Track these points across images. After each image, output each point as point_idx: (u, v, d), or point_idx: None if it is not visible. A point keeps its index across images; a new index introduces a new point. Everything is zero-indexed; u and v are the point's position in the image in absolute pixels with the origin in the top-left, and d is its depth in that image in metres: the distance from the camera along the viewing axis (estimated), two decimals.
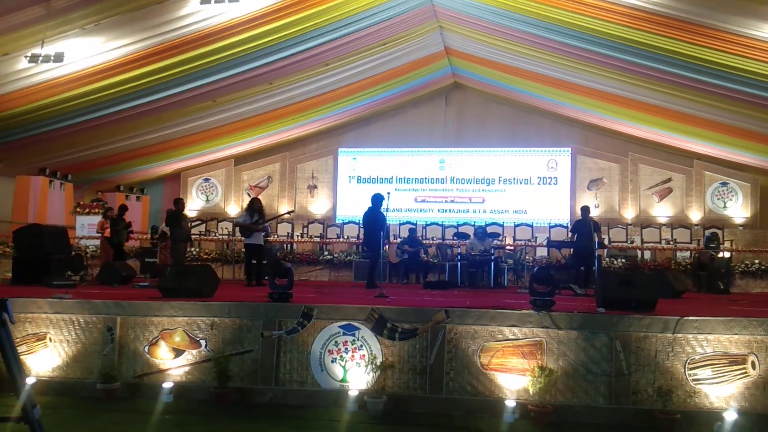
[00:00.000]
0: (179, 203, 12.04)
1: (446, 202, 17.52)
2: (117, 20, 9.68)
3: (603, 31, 10.62)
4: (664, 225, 15.98)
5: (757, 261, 13.17)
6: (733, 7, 8.82)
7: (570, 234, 12.54)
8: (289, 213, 14.34)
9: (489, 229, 13.86)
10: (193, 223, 13.12)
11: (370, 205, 11.05)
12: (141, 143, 15.07)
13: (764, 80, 10.61)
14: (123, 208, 12.82)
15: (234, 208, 18.08)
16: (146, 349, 7.30)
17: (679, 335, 6.53)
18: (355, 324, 7.03)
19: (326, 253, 14.64)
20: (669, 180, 16.80)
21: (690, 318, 6.56)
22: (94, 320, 7.42)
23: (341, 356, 7.00)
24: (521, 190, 17.23)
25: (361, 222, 11.40)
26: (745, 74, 10.58)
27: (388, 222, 11.37)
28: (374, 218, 10.90)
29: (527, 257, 13.98)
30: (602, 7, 9.72)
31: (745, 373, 6.40)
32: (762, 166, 15.69)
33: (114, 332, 7.31)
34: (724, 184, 16.41)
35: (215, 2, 9.31)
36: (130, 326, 7.38)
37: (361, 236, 15.22)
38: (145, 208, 18.02)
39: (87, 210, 15.53)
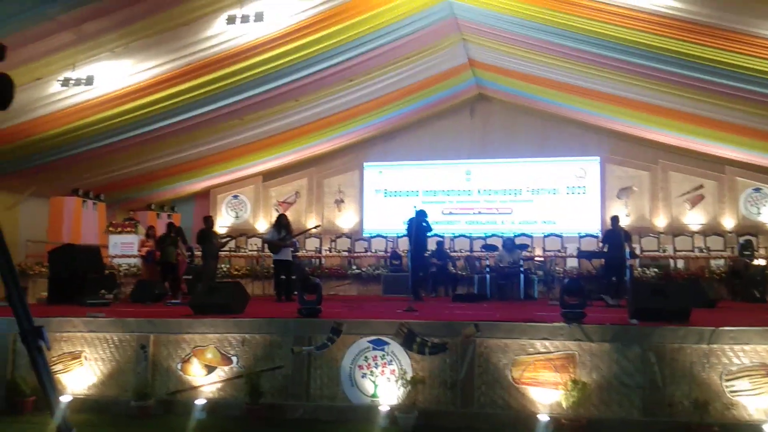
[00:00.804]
0: (208, 221, 12.20)
1: (473, 213, 17.45)
2: (146, 42, 9.89)
3: (629, 39, 10.53)
4: (696, 233, 15.71)
5: None
6: (760, 11, 8.69)
7: (600, 244, 12.41)
8: (315, 228, 14.44)
9: (517, 241, 13.78)
10: (223, 240, 13.30)
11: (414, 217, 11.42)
12: (171, 162, 15.33)
13: None
14: (170, 227, 12.91)
15: (263, 224, 18.23)
16: (179, 366, 7.38)
17: (715, 346, 6.40)
18: (385, 339, 7.02)
19: (354, 267, 14.68)
20: (701, 187, 16.52)
21: (725, 328, 6.43)
22: (127, 338, 7.53)
23: (371, 371, 7.00)
24: (549, 200, 17.09)
25: (407, 233, 11.62)
26: None
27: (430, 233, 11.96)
28: (416, 231, 11.21)
29: (557, 268, 13.86)
30: (627, 15, 9.65)
31: None
32: None
33: (147, 350, 7.40)
34: (757, 189, 16.08)
35: (241, 22, 9.46)
36: (163, 344, 7.47)
37: (389, 250, 15.33)
38: (175, 224, 18.28)
39: (119, 229, 15.81)
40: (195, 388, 7.27)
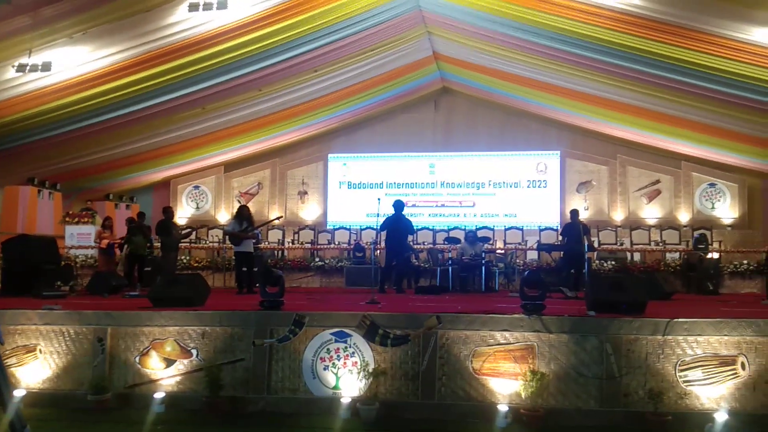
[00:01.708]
0: (168, 212, 12.01)
1: (436, 206, 17.55)
2: (105, 29, 9.64)
3: (590, 35, 10.69)
4: (653, 227, 16.07)
5: (745, 261, 13.26)
6: (719, 10, 8.90)
7: (560, 237, 12.59)
8: (278, 219, 14.33)
9: (479, 233, 13.91)
10: (183, 231, 13.11)
11: (392, 211, 11.54)
12: (130, 151, 15.01)
13: (750, 82, 10.72)
14: (140, 216, 12.65)
15: (224, 215, 18.03)
16: (137, 359, 7.27)
17: (669, 337, 6.58)
18: (347, 331, 7.04)
19: (317, 259, 14.63)
20: (657, 182, 16.90)
21: (680, 320, 6.61)
22: (84, 331, 7.39)
23: (333, 363, 7.00)
24: (511, 194, 17.29)
25: (378, 228, 11.68)
26: (731, 76, 10.69)
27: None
28: (397, 224, 11.32)
29: (518, 261, 14.03)
30: (589, 11, 9.78)
31: (735, 373, 6.45)
32: (749, 166, 15.82)
33: (104, 343, 7.28)
34: (712, 185, 16.53)
35: (203, 10, 9.28)
36: (121, 336, 7.35)
37: (353, 242, 15.33)
38: (132, 216, 17.93)
39: (76, 219, 15.43)
40: (154, 381, 7.18)
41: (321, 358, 7.03)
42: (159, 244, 12.07)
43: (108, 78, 11.08)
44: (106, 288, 10.56)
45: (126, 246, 12.23)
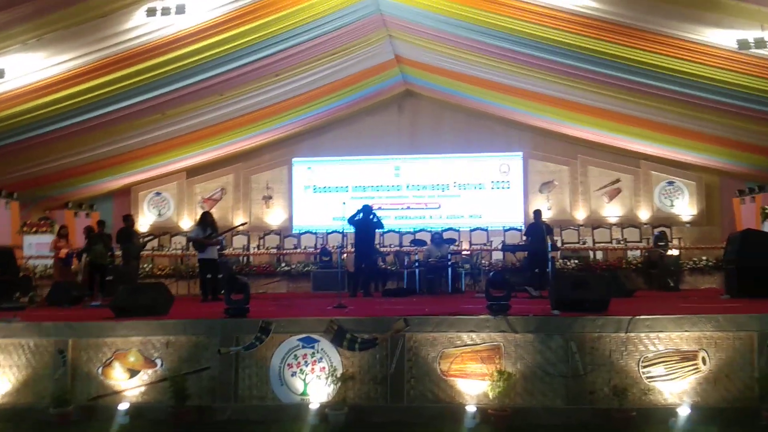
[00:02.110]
0: (129, 219, 11.80)
1: (402, 209, 17.60)
2: (61, 34, 9.41)
3: (549, 38, 10.85)
4: (614, 225, 16.36)
5: (704, 258, 13.59)
6: (672, 12, 9.12)
7: (524, 237, 12.73)
8: (242, 225, 14.19)
9: (445, 235, 14.00)
10: (145, 239, 12.90)
11: (360, 214, 11.56)
12: (89, 158, 14.70)
13: (703, 82, 11.01)
14: (100, 225, 12.33)
15: (187, 222, 17.78)
16: (100, 370, 7.14)
17: (632, 334, 6.70)
18: (314, 336, 7.01)
19: (283, 264, 14.53)
20: (617, 181, 17.20)
21: (642, 317, 6.73)
22: (44, 343, 7.23)
23: (301, 369, 6.97)
24: (476, 195, 17.43)
25: (347, 220, 11.68)
26: (685, 76, 10.96)
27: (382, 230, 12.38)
28: (365, 227, 11.39)
29: (483, 261, 14.15)
30: (547, 14, 9.93)
31: (697, 368, 6.59)
32: (706, 164, 16.23)
33: (66, 355, 7.12)
34: (670, 183, 16.90)
35: (162, 15, 9.16)
36: (83, 348, 7.21)
37: (319, 246, 15.27)
38: (95, 224, 17.55)
39: (34, 229, 15.06)
40: (117, 392, 7.05)
41: (288, 365, 6.99)
42: (120, 252, 11.85)
43: (65, 84, 10.84)
44: (66, 299, 10.33)
45: (84, 255, 11.96)
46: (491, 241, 15.59)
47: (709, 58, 10.06)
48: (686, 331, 6.67)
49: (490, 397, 6.58)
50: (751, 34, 8.79)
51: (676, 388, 6.58)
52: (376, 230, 11.83)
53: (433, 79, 15.91)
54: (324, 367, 6.92)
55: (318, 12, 11.06)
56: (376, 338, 6.90)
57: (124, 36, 9.86)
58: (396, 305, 9.14)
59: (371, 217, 11.62)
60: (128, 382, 7.07)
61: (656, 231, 14.57)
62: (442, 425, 6.50)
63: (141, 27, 9.70)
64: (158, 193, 18.05)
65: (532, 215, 12.56)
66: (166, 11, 9.03)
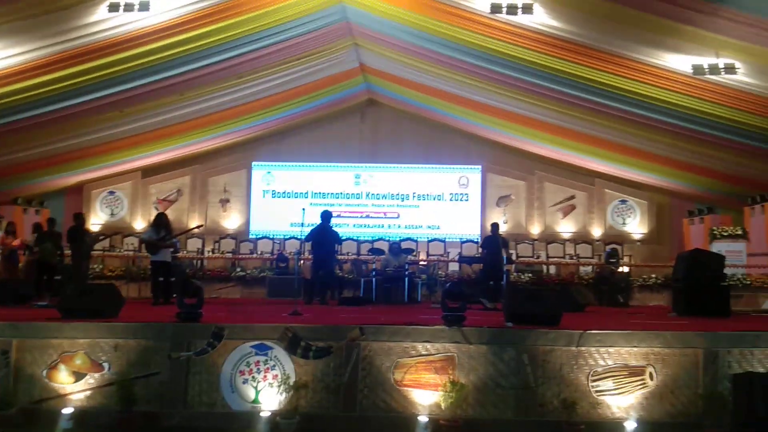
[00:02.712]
0: (79, 218, 11.48)
1: (361, 217, 17.59)
2: (18, 26, 9.14)
3: (512, 55, 11.03)
4: (567, 240, 16.67)
5: (653, 275, 13.93)
6: (633, 35, 9.38)
7: (480, 249, 12.84)
8: (197, 228, 13.94)
9: (403, 245, 14.02)
10: (99, 238, 12.56)
11: (319, 221, 11.47)
12: (41, 154, 14.27)
13: (659, 104, 11.34)
14: (51, 221, 11.91)
15: (141, 222, 17.43)
16: (44, 373, 6.92)
17: (583, 348, 6.81)
18: (268, 343, 6.93)
19: (239, 269, 14.35)
20: (572, 197, 17.55)
21: (593, 331, 6.86)
22: None
23: (253, 377, 6.87)
24: (434, 206, 17.54)
25: (303, 238, 11.60)
26: (642, 98, 11.27)
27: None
28: (323, 234, 11.32)
29: (440, 272, 14.22)
30: (512, 31, 10.09)
31: (644, 383, 6.74)
32: (658, 184, 16.69)
33: (9, 355, 6.89)
34: (623, 201, 17.32)
35: (124, 11, 9.01)
36: (27, 349, 6.98)
37: (276, 252, 15.13)
38: (41, 222, 17.03)
39: None
40: (62, 396, 6.84)
41: (240, 371, 6.89)
42: (69, 251, 11.52)
43: (20, 77, 10.52)
44: (11, 298, 9.98)
45: (27, 253, 11.59)
46: (448, 253, 15.71)
47: (665, 81, 10.38)
48: (635, 346, 6.82)
49: (443, 407, 6.60)
50: (706, 60, 9.12)
51: (623, 403, 6.71)
52: (334, 243, 11.78)
53: (396, 89, 15.99)
54: (277, 375, 6.85)
55: (284, 16, 11.01)
56: (331, 346, 6.86)
57: (84, 30, 9.65)
58: (352, 314, 9.11)
59: (329, 224, 11.59)
60: (74, 386, 6.87)
61: (608, 248, 14.86)
62: None
63: (103, 22, 9.52)
64: (112, 192, 17.65)
65: (489, 228, 12.69)
66: (129, 7, 8.92)
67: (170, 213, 15.35)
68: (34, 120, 12.30)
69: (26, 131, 12.80)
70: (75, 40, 9.88)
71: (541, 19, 9.41)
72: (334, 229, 11.86)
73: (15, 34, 9.37)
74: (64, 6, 9.02)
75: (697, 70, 9.33)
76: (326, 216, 11.58)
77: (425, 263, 14.66)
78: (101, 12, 9.19)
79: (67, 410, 6.57)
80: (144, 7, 8.96)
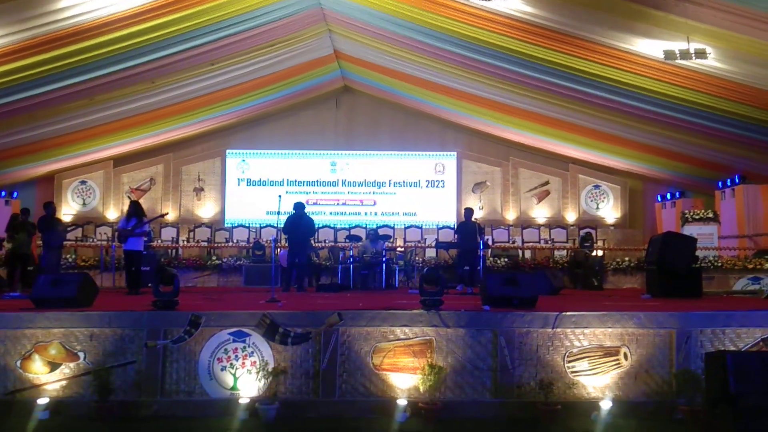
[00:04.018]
0: (50, 207, 11.27)
1: (338, 204, 17.57)
2: None
3: (486, 41, 11.05)
4: (542, 225, 16.83)
5: (627, 258, 14.11)
6: (604, 21, 9.46)
7: (455, 235, 12.89)
8: (163, 215, 13.69)
9: (380, 232, 14.03)
10: (69, 229, 12.36)
11: (293, 211, 11.50)
12: (10, 143, 13.98)
13: (631, 90, 11.46)
14: (24, 212, 11.62)
15: (113, 212, 17.21)
16: (18, 363, 6.80)
17: (558, 330, 6.90)
18: (246, 330, 6.90)
19: (214, 258, 14.25)
20: (547, 183, 17.71)
21: (568, 313, 6.94)
22: None
23: (231, 364, 6.84)
24: (411, 193, 17.58)
25: (282, 228, 11.55)
26: (614, 84, 11.38)
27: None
28: (298, 224, 11.35)
29: (417, 258, 14.27)
30: (486, 17, 10.11)
31: (619, 364, 6.85)
32: (630, 169, 16.91)
33: None
34: (596, 186, 17.53)
35: None
36: (0, 339, 6.85)
37: (252, 240, 15.05)
38: (16, 212, 16.72)
39: None
40: (37, 386, 6.73)
41: (218, 359, 6.85)
42: (41, 242, 11.33)
43: None
44: None
45: (2, 243, 11.35)
46: (425, 239, 15.77)
47: (637, 67, 10.49)
48: (609, 327, 6.92)
49: (421, 390, 6.64)
50: (677, 45, 9.22)
51: (599, 383, 6.82)
52: (307, 234, 11.76)
53: (371, 76, 15.94)
54: (255, 362, 6.83)
55: (258, 2, 10.90)
56: (309, 332, 6.85)
57: (52, 17, 9.45)
58: (330, 300, 9.12)
59: (303, 213, 11.59)
60: (49, 376, 6.77)
61: (582, 232, 15.06)
62: (373, 419, 6.52)
63: (71, 8, 9.33)
64: (83, 182, 17.39)
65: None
66: None
67: (143, 202, 15.12)
68: (2, 109, 12.04)
69: None
70: (42, 27, 9.66)
71: (515, 5, 9.44)
72: (309, 217, 11.84)
73: None
74: None
75: (669, 55, 9.43)
76: (299, 206, 11.59)
77: (402, 249, 14.71)
78: None
79: (43, 400, 6.48)
80: None
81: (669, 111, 12.03)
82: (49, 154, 15.67)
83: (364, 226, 15.81)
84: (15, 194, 16.60)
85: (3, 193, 16.12)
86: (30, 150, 14.82)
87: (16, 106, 12.12)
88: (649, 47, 9.71)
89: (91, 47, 10.63)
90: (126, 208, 11.67)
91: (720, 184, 15.14)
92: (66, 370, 6.79)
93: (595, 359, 6.85)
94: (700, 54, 9.20)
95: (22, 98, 11.82)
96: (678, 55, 9.32)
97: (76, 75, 11.58)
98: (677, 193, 16.28)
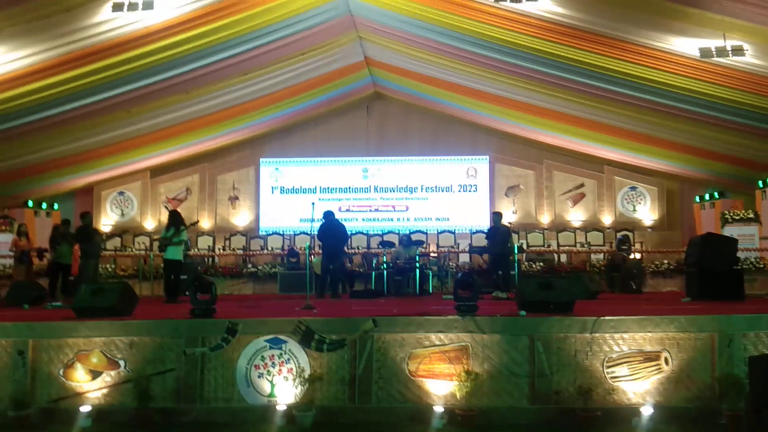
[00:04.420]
0: (87, 217, 11.52)
1: (370, 210, 17.59)
2: (24, 29, 9.21)
3: (517, 43, 10.99)
4: (578, 229, 16.59)
5: (666, 261, 13.86)
6: (639, 20, 9.33)
7: (486, 240, 12.77)
8: (194, 224, 13.78)
9: (413, 237, 14.00)
10: (106, 238, 12.60)
11: (323, 219, 11.68)
12: (50, 155, 14.36)
13: (666, 89, 11.27)
14: (65, 223, 11.88)
15: (151, 222, 17.51)
16: (61, 372, 6.96)
17: (597, 335, 6.79)
18: (282, 337, 6.94)
19: (250, 265, 14.39)
20: (582, 185, 17.47)
21: (606, 318, 6.83)
22: (3, 344, 7.02)
23: (268, 371, 6.90)
24: (443, 198, 17.52)
25: (315, 235, 11.77)
26: (649, 83, 11.21)
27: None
28: (330, 231, 11.50)
29: (450, 263, 14.21)
30: (516, 19, 10.05)
31: (659, 369, 6.71)
32: (667, 170, 16.60)
33: (26, 355, 6.93)
34: (633, 188, 17.23)
35: (128, 10, 9.02)
36: (44, 349, 7.02)
37: (286, 247, 15.15)
38: (57, 223, 17.11)
39: None
40: (79, 394, 6.88)
41: (255, 366, 6.91)
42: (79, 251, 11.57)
43: (26, 79, 10.60)
44: (26, 299, 10.05)
45: (44, 254, 11.64)
46: (458, 244, 15.69)
47: (672, 65, 10.32)
48: (649, 332, 6.79)
49: (458, 397, 6.60)
50: (713, 43, 9.04)
51: (639, 388, 6.69)
52: (340, 240, 11.86)
53: (402, 81, 15.96)
54: (291, 369, 6.87)
55: (288, 11, 11.02)
56: (345, 339, 6.87)
57: (89, 31, 9.71)
58: (364, 306, 9.13)
59: (334, 220, 11.69)
60: (90, 384, 6.91)
61: (619, 235, 14.81)
62: (409, 426, 6.50)
63: (107, 23, 9.57)
64: (121, 193, 17.72)
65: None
66: (133, 7, 8.92)
67: (179, 211, 15.37)
68: (42, 122, 12.39)
69: (35, 134, 12.89)
70: (80, 41, 9.94)
71: (546, 6, 9.37)
72: (341, 223, 11.94)
73: (20, 37, 9.44)
74: (67, 7, 9.08)
75: (705, 53, 9.26)
76: (328, 214, 11.75)
77: (435, 255, 14.65)
78: (105, 12, 9.22)
79: (85, 408, 6.62)
80: (148, 5, 8.97)
81: (706, 109, 11.80)
82: (88, 166, 16.03)
83: (396, 231, 15.80)
84: (55, 206, 17.04)
85: (44, 205, 16.56)
86: (69, 162, 15.20)
87: (55, 120, 12.45)
88: (685, 45, 9.55)
89: (128, 60, 10.87)
90: (162, 217, 11.84)
91: (760, 183, 14.74)
92: (107, 378, 6.92)
93: (635, 364, 6.72)
94: (737, 51, 9.02)
95: (61, 111, 12.16)
96: (714, 53, 9.15)
97: (114, 88, 11.85)
98: (716, 194, 15.92)
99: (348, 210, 17.38)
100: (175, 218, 10.90)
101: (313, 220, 11.27)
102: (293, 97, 15.49)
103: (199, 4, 9.85)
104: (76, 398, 6.85)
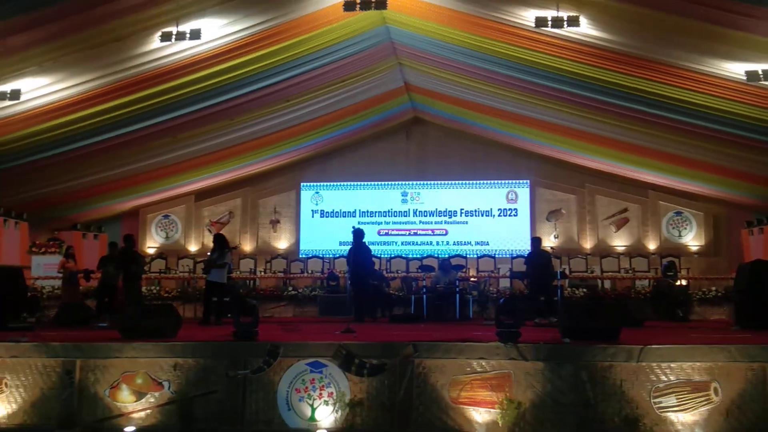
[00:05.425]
0: (130, 240, 11.79)
1: (409, 234, 17.59)
2: (76, 57, 9.58)
3: (558, 67, 10.95)
4: (622, 254, 16.28)
5: (713, 288, 13.49)
6: (683, 44, 9.21)
7: (525, 266, 12.62)
8: (234, 248, 13.88)
9: (453, 261, 13.94)
10: (151, 261, 12.87)
11: (353, 239, 11.69)
12: (99, 180, 14.81)
13: (712, 113, 11.06)
14: (112, 245, 12.22)
15: (194, 245, 17.82)
16: (107, 392, 7.10)
17: (643, 364, 6.64)
18: (323, 361, 6.97)
19: (290, 288, 14.50)
20: (625, 210, 17.18)
21: (653, 346, 6.69)
22: (52, 363, 7.21)
23: (309, 394, 6.92)
24: (483, 222, 17.42)
25: (346, 259, 11.79)
26: (694, 107, 11.01)
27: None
28: (356, 253, 11.48)
29: (491, 288, 14.08)
30: (556, 44, 10.03)
31: (709, 399, 6.52)
32: (713, 195, 16.21)
33: (73, 375, 7.10)
34: (678, 213, 16.86)
35: (176, 39, 9.31)
36: (90, 369, 7.18)
37: (326, 271, 15.23)
38: (103, 246, 17.53)
39: (43, 249, 15.10)
40: (124, 414, 7.01)
41: (296, 389, 6.94)
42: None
43: (78, 106, 11.00)
44: (74, 319, 10.32)
45: (91, 275, 11.96)
46: (499, 268, 15.55)
47: (718, 89, 10.13)
48: (698, 361, 6.61)
49: (500, 425, 6.51)
50: (760, 66, 8.87)
51: (687, 419, 6.50)
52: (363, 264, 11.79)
53: (441, 106, 16.03)
54: (332, 393, 6.88)
55: (330, 39, 11.21)
56: (385, 364, 6.86)
57: (138, 60, 10.03)
58: (403, 331, 9.10)
59: (362, 242, 11.70)
60: (135, 404, 7.03)
61: (665, 261, 14.48)
62: None
63: (155, 51, 9.87)
64: (166, 216, 18.10)
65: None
66: (180, 36, 9.20)
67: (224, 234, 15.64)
68: (91, 148, 12.80)
69: (84, 159, 13.32)
70: (129, 69, 10.28)
71: (587, 30, 9.33)
72: (367, 246, 11.95)
73: (74, 65, 9.80)
74: (117, 37, 9.40)
75: (751, 76, 9.08)
76: (358, 233, 11.69)
77: (476, 279, 14.54)
78: (154, 42, 9.53)
79: (129, 429, 6.74)
80: (195, 35, 9.25)
81: (753, 133, 11.50)
82: (135, 190, 16.45)
83: (436, 256, 15.75)
84: (102, 228, 17.51)
85: (91, 228, 17.02)
86: (116, 186, 15.62)
87: (105, 145, 12.84)
88: (731, 69, 9.37)
89: (174, 87, 11.19)
90: (206, 240, 12.04)
91: None
92: (151, 399, 7.03)
93: (683, 395, 6.54)
94: None
95: (110, 137, 12.54)
96: (762, 77, 8.96)
97: (160, 114, 12.19)
98: (765, 219, 15.46)
99: (387, 234, 17.41)
100: (220, 241, 11.10)
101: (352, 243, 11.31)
102: (334, 122, 15.68)
103: (243, 34, 10.09)
104: (121, 418, 6.98)
